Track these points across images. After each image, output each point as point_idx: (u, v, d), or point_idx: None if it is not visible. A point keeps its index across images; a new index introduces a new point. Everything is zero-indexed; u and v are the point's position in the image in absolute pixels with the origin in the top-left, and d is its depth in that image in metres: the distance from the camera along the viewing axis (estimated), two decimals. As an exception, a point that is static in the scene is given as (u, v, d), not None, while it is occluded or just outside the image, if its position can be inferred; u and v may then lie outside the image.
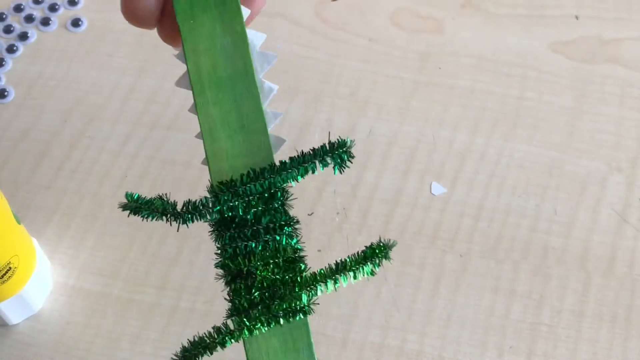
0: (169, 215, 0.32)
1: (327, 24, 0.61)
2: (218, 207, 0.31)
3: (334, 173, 0.31)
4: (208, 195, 0.32)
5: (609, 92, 0.57)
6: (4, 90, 0.58)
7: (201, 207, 0.32)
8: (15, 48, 0.60)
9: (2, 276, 0.45)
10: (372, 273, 0.31)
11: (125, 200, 0.33)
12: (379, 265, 0.31)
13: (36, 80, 0.59)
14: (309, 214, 0.51)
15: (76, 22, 0.61)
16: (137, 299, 0.49)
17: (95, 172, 0.54)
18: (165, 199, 0.33)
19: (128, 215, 0.32)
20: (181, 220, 0.32)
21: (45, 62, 0.60)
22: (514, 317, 0.48)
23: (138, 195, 0.33)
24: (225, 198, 0.31)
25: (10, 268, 0.45)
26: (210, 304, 0.49)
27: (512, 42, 0.60)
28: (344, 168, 0.31)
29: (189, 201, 0.32)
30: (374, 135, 0.55)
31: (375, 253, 0.31)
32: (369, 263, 0.31)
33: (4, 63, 0.59)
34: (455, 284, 0.49)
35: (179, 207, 0.32)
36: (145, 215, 0.32)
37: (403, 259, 0.50)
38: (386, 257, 0.31)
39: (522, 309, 0.48)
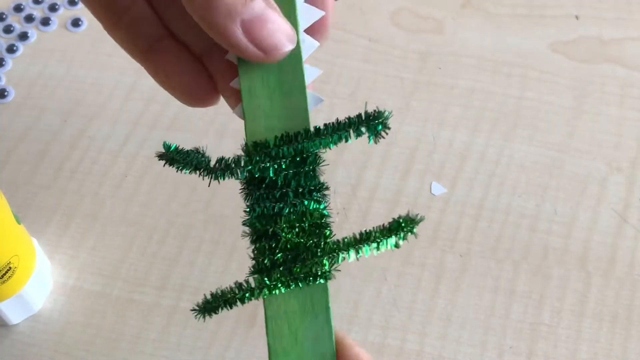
0: (202, 170, 0.32)
1: (327, 24, 0.61)
2: (250, 167, 0.31)
3: (369, 143, 0.31)
4: (241, 154, 0.32)
5: (609, 92, 0.57)
6: (4, 90, 0.58)
7: (233, 166, 0.32)
8: (15, 48, 0.60)
9: (2, 276, 0.45)
10: (397, 246, 0.32)
11: (162, 150, 0.32)
12: (404, 238, 0.32)
13: (36, 80, 0.59)
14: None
15: (76, 22, 0.61)
16: (137, 299, 0.49)
17: (95, 172, 0.54)
18: (200, 153, 0.32)
19: (163, 165, 0.32)
20: (213, 176, 0.32)
21: (45, 62, 0.60)
22: (514, 317, 0.48)
23: (176, 146, 0.32)
24: (258, 159, 0.31)
25: (10, 268, 0.45)
26: (210, 304, 0.49)
27: (512, 42, 0.60)
28: (379, 139, 0.31)
29: (222, 158, 0.32)
30: (374, 135, 0.55)
31: (402, 226, 0.31)
32: (393, 236, 0.31)
33: (4, 63, 0.59)
34: (455, 284, 0.49)
35: (212, 163, 0.32)
36: (180, 168, 0.32)
37: (403, 259, 0.50)
38: (412, 231, 0.31)
39: (522, 309, 0.48)
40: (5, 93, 0.58)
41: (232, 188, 0.53)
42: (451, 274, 0.50)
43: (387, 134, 0.31)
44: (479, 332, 0.48)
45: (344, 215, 0.52)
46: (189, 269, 0.50)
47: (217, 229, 0.51)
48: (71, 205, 0.53)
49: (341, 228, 0.51)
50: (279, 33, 0.30)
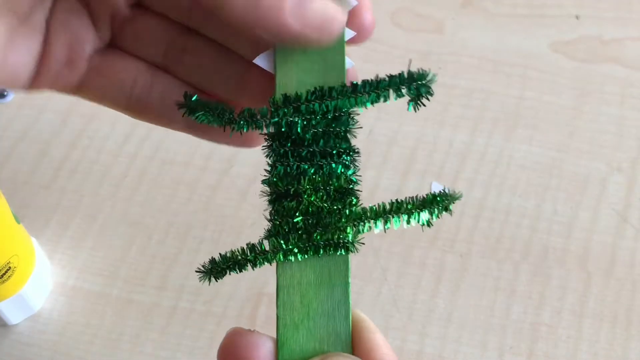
0: (224, 119, 0.29)
1: (327, 24, 0.61)
2: (276, 119, 0.29)
3: (408, 109, 0.29)
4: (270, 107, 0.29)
5: (609, 92, 0.57)
6: (3, 90, 0.58)
7: (259, 117, 0.29)
8: (15, 48, 0.60)
9: (2, 276, 0.45)
10: (429, 223, 0.29)
11: (183, 99, 0.30)
12: (438, 215, 0.29)
13: (36, 80, 0.59)
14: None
15: (76, 22, 0.61)
16: (136, 299, 0.49)
17: (95, 172, 0.54)
18: (222, 104, 0.30)
19: (183, 115, 0.30)
20: (236, 126, 0.29)
21: (45, 62, 0.60)
22: (514, 317, 0.48)
23: (197, 96, 0.30)
24: (285, 111, 0.29)
25: (9, 268, 0.45)
26: (210, 304, 0.49)
27: (512, 42, 0.60)
28: (419, 106, 0.29)
29: (247, 109, 0.29)
30: (374, 135, 0.55)
31: (437, 201, 0.29)
32: (426, 210, 0.29)
33: (3, 63, 0.59)
34: (456, 284, 0.49)
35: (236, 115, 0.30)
36: (201, 117, 0.30)
37: (403, 259, 0.50)
38: (447, 209, 0.29)
39: (523, 309, 0.48)
40: (5, 93, 0.58)
41: (232, 188, 0.53)
42: (451, 274, 0.49)
43: (429, 100, 0.29)
44: (479, 332, 0.48)
45: (344, 215, 0.52)
46: (189, 269, 0.50)
47: (217, 229, 0.51)
48: (71, 205, 0.53)
49: (341, 228, 0.51)
50: (328, 9, 0.28)
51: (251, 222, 0.50)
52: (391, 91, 0.29)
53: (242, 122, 0.29)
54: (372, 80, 0.29)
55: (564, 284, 0.49)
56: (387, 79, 0.29)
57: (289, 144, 0.29)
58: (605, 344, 0.47)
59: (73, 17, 0.30)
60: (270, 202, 0.30)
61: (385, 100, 0.29)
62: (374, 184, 0.53)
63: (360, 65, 0.59)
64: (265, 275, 0.49)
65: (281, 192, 0.29)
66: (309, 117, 0.29)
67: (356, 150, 0.30)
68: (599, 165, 0.54)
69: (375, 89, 0.29)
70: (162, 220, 0.52)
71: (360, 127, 0.30)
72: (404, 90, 0.29)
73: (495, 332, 0.48)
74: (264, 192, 0.30)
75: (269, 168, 0.30)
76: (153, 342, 0.48)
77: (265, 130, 0.29)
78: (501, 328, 0.48)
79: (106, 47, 0.32)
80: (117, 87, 0.32)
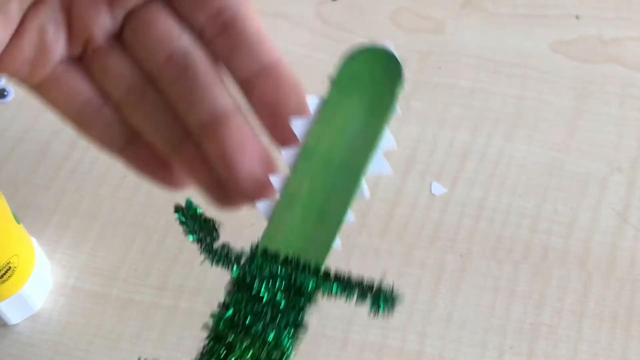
0: (202, 245, 0.31)
1: (327, 24, 0.61)
2: (246, 271, 0.30)
3: (368, 312, 0.30)
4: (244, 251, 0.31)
5: (609, 92, 0.57)
6: (3, 90, 0.58)
7: (233, 259, 0.30)
8: (15, 48, 0.60)
9: (2, 276, 0.45)
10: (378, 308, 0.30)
11: (183, 205, 0.32)
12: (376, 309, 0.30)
13: (36, 80, 0.59)
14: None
15: (76, 22, 0.61)
16: (136, 299, 0.49)
17: (95, 172, 0.54)
18: (213, 227, 0.31)
19: (177, 220, 0.32)
20: (209, 257, 0.31)
21: (45, 62, 0.60)
22: (515, 317, 0.48)
23: (197, 209, 0.32)
24: (259, 264, 0.30)
25: (9, 268, 0.45)
26: (210, 304, 0.49)
27: (512, 42, 0.60)
28: (376, 315, 0.30)
29: (227, 246, 0.31)
30: (374, 135, 0.55)
31: (376, 296, 0.30)
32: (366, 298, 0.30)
33: (3, 63, 0.59)
34: (456, 284, 0.49)
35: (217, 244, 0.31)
36: (185, 231, 0.32)
37: (403, 259, 0.50)
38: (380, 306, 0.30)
39: (523, 309, 0.48)
40: (5, 93, 0.58)
41: (232, 188, 0.53)
42: (451, 274, 0.49)
43: (387, 315, 0.30)
44: (479, 332, 0.48)
45: (344, 215, 0.52)
46: (188, 269, 0.50)
47: (217, 229, 0.51)
48: (71, 205, 0.53)
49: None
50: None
51: (250, 222, 0.50)
52: (356, 293, 0.30)
53: (216, 258, 0.30)
54: (344, 276, 0.30)
55: (564, 284, 0.49)
56: (356, 283, 0.30)
57: (248, 294, 0.30)
58: (605, 344, 0.47)
59: (50, 25, 0.30)
60: (207, 337, 0.31)
61: (346, 301, 0.30)
62: (374, 184, 0.53)
63: (360, 65, 0.59)
64: (265, 275, 0.49)
65: (220, 335, 0.30)
66: (277, 280, 0.30)
67: (304, 328, 0.30)
68: (599, 165, 0.54)
69: (344, 288, 0.30)
70: (162, 220, 0.52)
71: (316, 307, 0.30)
72: (367, 299, 0.30)
73: (495, 332, 0.48)
74: (206, 325, 0.31)
75: (222, 304, 0.31)
76: (153, 342, 0.48)
77: (233, 274, 0.30)
78: (501, 328, 0.48)
79: (73, 60, 0.32)
80: (69, 101, 0.32)
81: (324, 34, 0.60)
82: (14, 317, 0.48)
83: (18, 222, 0.45)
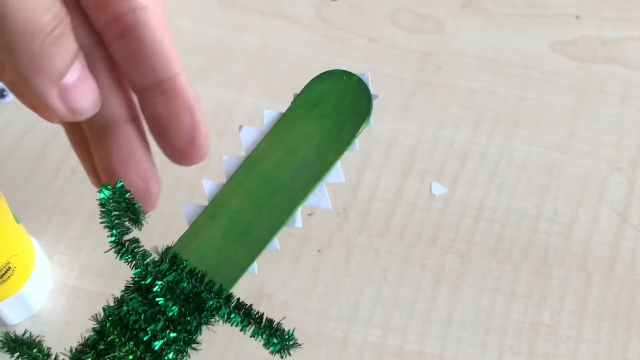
0: (112, 234, 0.30)
1: (327, 24, 0.61)
2: (147, 270, 0.29)
3: (266, 348, 0.28)
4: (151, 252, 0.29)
5: (609, 92, 0.57)
6: (3, 90, 0.58)
7: (138, 257, 0.29)
8: (15, 48, 0.60)
9: (2, 276, 0.45)
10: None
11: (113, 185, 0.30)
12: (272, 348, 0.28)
13: (36, 80, 0.59)
14: (308, 214, 0.51)
15: (76, 22, 0.61)
16: (136, 299, 0.49)
17: (95, 172, 0.54)
18: (136, 218, 0.30)
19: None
20: (115, 248, 0.30)
21: (45, 62, 0.60)
22: (515, 318, 0.48)
23: (126, 193, 0.30)
24: (164, 269, 0.29)
25: (9, 268, 0.45)
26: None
27: (513, 41, 0.60)
28: (274, 354, 0.28)
29: (135, 240, 0.29)
30: (374, 135, 0.55)
31: (274, 335, 0.28)
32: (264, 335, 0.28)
33: (3, 63, 0.59)
34: (456, 284, 0.49)
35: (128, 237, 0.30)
36: (101, 213, 0.30)
37: (403, 259, 0.50)
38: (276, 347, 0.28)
39: (523, 309, 0.48)
40: (5, 93, 0.58)
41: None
42: (451, 274, 0.49)
43: (289, 354, 0.28)
44: (479, 332, 0.48)
45: (344, 215, 0.52)
46: (188, 269, 0.50)
47: (217, 229, 0.51)
48: (71, 205, 0.53)
49: (341, 228, 0.51)
50: (92, 99, 0.29)
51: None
52: (255, 327, 0.28)
53: (122, 250, 0.29)
54: (246, 309, 0.29)
55: (564, 284, 0.49)
56: (261, 319, 0.29)
57: (144, 296, 0.29)
58: (605, 344, 0.47)
59: None
60: (94, 332, 0.29)
61: (242, 330, 0.28)
62: (374, 184, 0.53)
63: (360, 65, 0.59)
64: (265, 275, 0.49)
65: (104, 333, 0.28)
66: (176, 289, 0.28)
67: (197, 345, 0.29)
68: (599, 165, 0.54)
69: (243, 314, 0.29)
70: (162, 220, 0.52)
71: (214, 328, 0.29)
72: (263, 335, 0.28)
73: (495, 332, 0.47)
74: (95, 317, 0.29)
75: (117, 299, 0.29)
76: (153, 342, 0.48)
77: (134, 270, 0.29)
78: (501, 328, 0.48)
79: None
80: None
81: (324, 34, 0.60)
82: (13, 317, 0.48)
83: (18, 222, 0.45)
